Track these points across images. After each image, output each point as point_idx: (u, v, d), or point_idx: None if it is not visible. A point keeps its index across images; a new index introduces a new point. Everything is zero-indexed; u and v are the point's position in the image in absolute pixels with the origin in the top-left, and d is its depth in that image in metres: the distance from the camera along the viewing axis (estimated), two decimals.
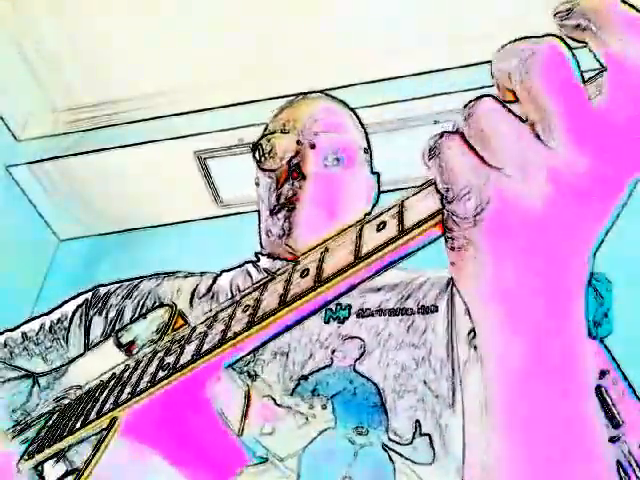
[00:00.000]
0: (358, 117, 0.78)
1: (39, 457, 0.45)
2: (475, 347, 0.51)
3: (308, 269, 0.34)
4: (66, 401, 0.50)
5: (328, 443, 0.50)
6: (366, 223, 0.32)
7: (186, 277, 0.73)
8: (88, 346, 0.66)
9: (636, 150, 0.24)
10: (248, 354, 0.37)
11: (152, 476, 0.42)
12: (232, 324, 0.38)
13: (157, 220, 1.66)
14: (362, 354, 0.56)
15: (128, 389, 0.42)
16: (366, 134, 0.79)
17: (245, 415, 0.49)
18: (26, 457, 0.46)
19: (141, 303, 0.69)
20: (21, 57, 1.36)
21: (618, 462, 0.40)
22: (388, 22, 1.26)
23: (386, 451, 0.49)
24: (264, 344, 0.36)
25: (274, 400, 0.52)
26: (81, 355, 0.58)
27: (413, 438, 0.50)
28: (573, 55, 0.25)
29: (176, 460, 0.42)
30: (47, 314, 0.73)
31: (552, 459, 0.27)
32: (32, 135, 1.50)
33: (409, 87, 1.33)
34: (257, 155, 0.76)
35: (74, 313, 0.71)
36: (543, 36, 0.26)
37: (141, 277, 0.74)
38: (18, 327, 0.72)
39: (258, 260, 0.72)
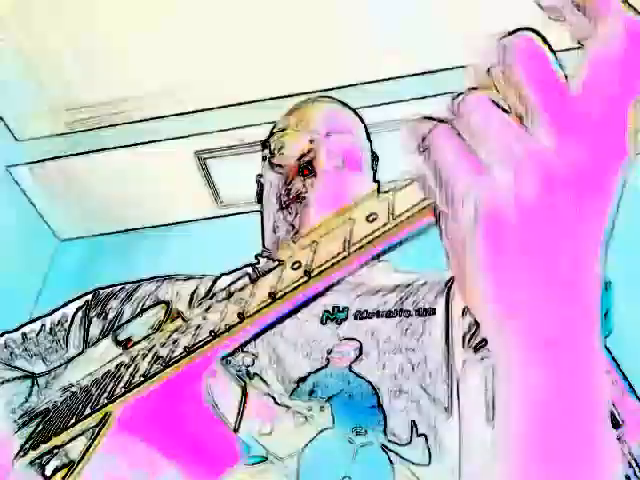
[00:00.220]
0: (363, 121, 0.79)
1: (34, 454, 0.45)
2: (475, 349, 0.51)
3: (299, 261, 0.34)
4: (62, 398, 0.50)
5: (327, 443, 0.50)
6: (357, 213, 0.32)
7: (186, 280, 0.73)
8: (86, 347, 0.67)
9: (619, 132, 0.24)
10: (242, 347, 0.37)
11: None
12: (225, 317, 0.38)
13: (157, 220, 1.66)
14: (359, 356, 0.56)
15: (122, 384, 0.43)
16: (369, 139, 0.79)
17: (242, 412, 0.48)
18: (22, 454, 0.46)
19: (140, 306, 0.69)
20: (21, 57, 1.36)
21: None
22: (388, 22, 1.26)
23: (385, 452, 0.49)
24: (258, 336, 0.36)
25: (274, 399, 0.52)
26: (79, 354, 0.58)
27: (410, 439, 0.50)
28: (549, 46, 0.26)
29: (169, 453, 0.42)
30: (48, 315, 0.73)
31: None
32: (32, 135, 1.50)
33: (409, 87, 1.33)
34: (268, 151, 0.76)
35: (75, 314, 0.71)
36: (516, 30, 0.26)
37: (141, 280, 0.74)
38: (18, 328, 0.72)
39: (258, 263, 0.72)
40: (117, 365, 0.47)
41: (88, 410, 0.43)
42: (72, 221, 1.68)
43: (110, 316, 0.69)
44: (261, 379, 0.54)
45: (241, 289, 0.39)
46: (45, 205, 1.65)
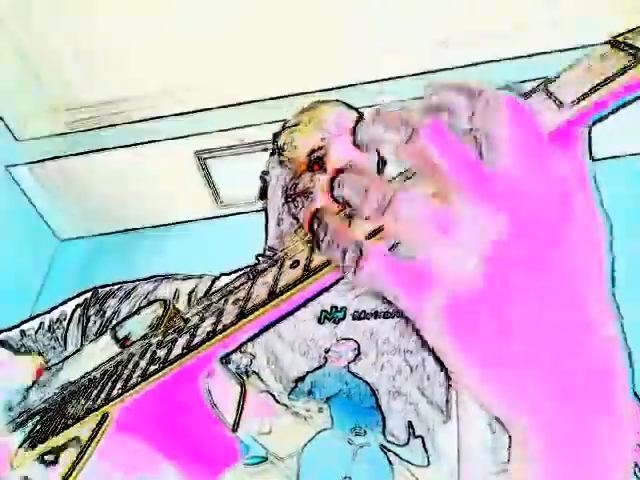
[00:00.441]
0: None
1: (32, 454, 0.45)
2: None
3: (298, 260, 0.34)
4: (60, 397, 0.50)
5: (327, 443, 0.50)
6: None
7: (184, 279, 0.73)
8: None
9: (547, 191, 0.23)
10: (240, 347, 0.37)
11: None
12: (223, 317, 0.38)
13: (157, 220, 1.66)
14: (356, 356, 0.56)
15: (120, 384, 0.42)
16: None
17: (240, 410, 0.48)
18: (19, 453, 0.46)
19: (138, 305, 0.69)
20: (21, 57, 1.36)
21: None
22: (388, 22, 1.26)
23: (384, 452, 0.49)
24: (256, 336, 0.36)
25: (273, 396, 0.52)
26: (77, 351, 0.58)
27: (408, 440, 0.50)
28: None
29: (168, 453, 0.42)
30: (46, 313, 0.73)
31: None
32: (32, 135, 1.50)
33: (409, 87, 1.33)
34: (277, 146, 0.76)
35: (73, 312, 0.71)
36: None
37: (140, 279, 0.74)
38: (17, 326, 0.72)
39: (258, 263, 0.72)
40: (115, 364, 0.47)
41: (86, 411, 0.43)
42: (72, 221, 1.68)
43: (107, 314, 0.69)
44: (259, 378, 0.54)
45: (239, 288, 0.39)
46: (45, 205, 1.65)
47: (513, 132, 0.23)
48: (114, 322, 0.67)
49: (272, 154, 0.79)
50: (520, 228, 0.22)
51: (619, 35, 0.28)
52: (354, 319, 0.59)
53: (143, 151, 1.50)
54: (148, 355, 0.43)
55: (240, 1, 1.27)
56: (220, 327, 0.37)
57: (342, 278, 0.31)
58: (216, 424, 0.44)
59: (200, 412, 0.42)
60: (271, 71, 1.34)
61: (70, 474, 0.39)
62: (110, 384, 0.43)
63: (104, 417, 0.41)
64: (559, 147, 0.24)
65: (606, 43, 0.26)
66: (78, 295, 0.74)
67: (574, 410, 0.23)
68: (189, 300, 0.68)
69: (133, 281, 0.74)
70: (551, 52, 1.22)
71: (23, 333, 0.70)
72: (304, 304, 0.33)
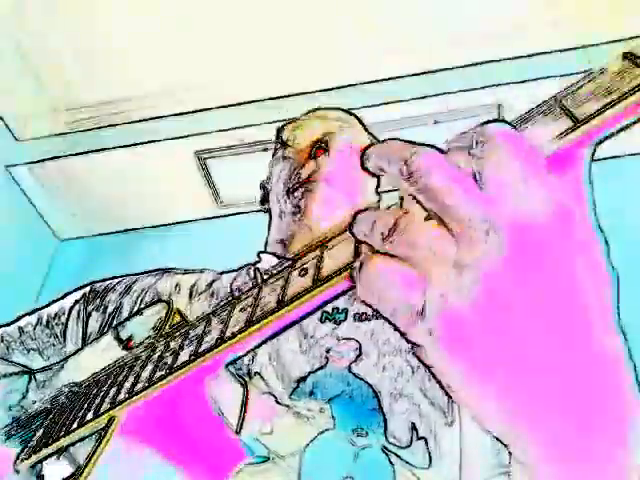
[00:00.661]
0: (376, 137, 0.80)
1: (36, 457, 0.45)
2: None
3: (307, 268, 0.33)
4: (63, 399, 0.50)
5: (329, 443, 0.50)
6: None
7: (185, 273, 0.73)
8: (86, 341, 0.66)
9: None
10: (246, 354, 0.37)
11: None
12: (230, 324, 0.38)
13: (157, 220, 1.66)
14: (358, 356, 0.56)
15: (126, 388, 0.42)
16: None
17: (243, 412, 0.48)
18: (24, 457, 0.46)
19: (140, 298, 0.69)
20: (21, 57, 1.36)
21: None
22: (388, 22, 1.26)
23: (386, 454, 0.49)
24: (262, 344, 0.36)
25: (275, 397, 0.52)
26: (78, 351, 0.58)
27: (411, 441, 0.50)
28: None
29: (174, 458, 0.41)
30: (44, 308, 0.72)
31: None
32: (32, 135, 1.50)
33: (409, 87, 1.33)
34: (282, 138, 0.76)
35: (72, 308, 0.71)
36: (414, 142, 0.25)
37: (139, 273, 0.74)
38: (14, 322, 0.71)
39: (259, 261, 0.72)
40: (120, 367, 0.47)
41: (91, 414, 0.43)
42: (72, 221, 1.68)
43: (109, 309, 0.68)
44: (261, 378, 0.54)
45: (247, 294, 0.38)
46: (45, 205, 1.65)
47: (510, 168, 0.23)
48: (116, 318, 0.67)
49: (274, 154, 0.79)
50: (519, 253, 0.22)
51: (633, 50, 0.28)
52: (355, 320, 0.59)
53: (143, 151, 1.50)
54: (155, 360, 0.43)
55: (240, 1, 1.27)
56: (229, 334, 0.36)
57: (352, 288, 0.30)
58: (221, 427, 0.44)
59: (206, 416, 0.42)
60: (271, 71, 1.34)
61: (78, 477, 0.39)
62: (116, 388, 0.43)
63: (110, 421, 0.41)
64: (559, 171, 0.24)
65: (623, 58, 0.26)
66: (75, 290, 0.74)
67: (576, 428, 0.23)
68: (190, 294, 0.68)
69: (133, 275, 0.74)
70: (551, 52, 1.22)
71: (21, 330, 0.69)
72: (312, 312, 0.33)
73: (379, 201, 0.76)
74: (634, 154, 1.38)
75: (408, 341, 0.25)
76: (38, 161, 1.54)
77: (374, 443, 0.50)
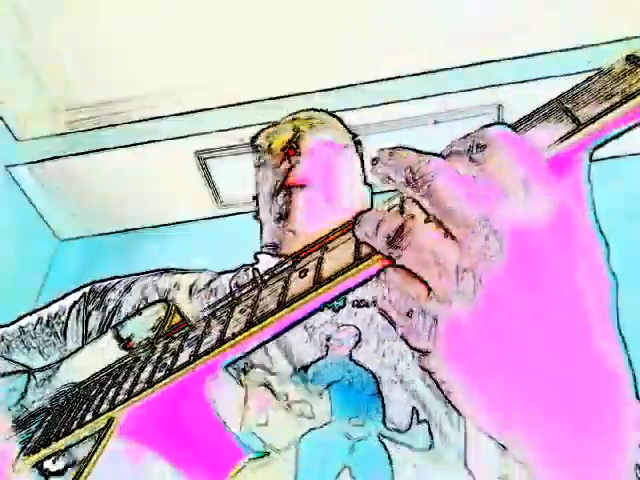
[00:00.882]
0: (352, 133, 0.80)
1: (36, 457, 0.45)
2: None
3: (307, 269, 0.33)
4: (62, 399, 0.50)
5: (325, 436, 0.50)
6: None
7: (184, 273, 0.73)
8: (86, 340, 0.67)
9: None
10: (246, 355, 0.37)
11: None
12: (230, 325, 0.38)
13: (157, 220, 1.66)
14: (357, 342, 0.56)
15: (125, 389, 0.42)
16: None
17: (245, 412, 0.49)
18: (23, 457, 0.46)
19: (140, 298, 0.69)
20: (21, 57, 1.36)
21: None
22: (388, 22, 1.26)
23: (382, 443, 0.49)
24: (262, 345, 0.36)
25: (271, 389, 0.52)
26: (78, 350, 0.58)
27: (410, 425, 0.50)
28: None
29: (173, 458, 0.41)
30: (44, 308, 0.73)
31: None
32: (32, 135, 1.50)
33: (409, 87, 1.33)
34: (256, 147, 0.77)
35: (72, 307, 0.71)
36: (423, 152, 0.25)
37: (140, 273, 0.75)
38: (15, 322, 0.72)
39: (257, 262, 0.72)
40: (119, 368, 0.47)
41: (90, 415, 0.43)
42: (72, 221, 1.68)
43: (109, 308, 0.69)
44: (255, 372, 0.54)
45: (246, 296, 0.38)
46: (45, 205, 1.65)
47: (511, 172, 0.23)
48: (116, 316, 0.67)
49: (257, 168, 0.79)
50: (519, 258, 0.22)
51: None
52: (354, 306, 0.59)
53: (143, 151, 1.50)
54: (154, 361, 0.43)
55: (240, 1, 1.27)
56: (229, 335, 0.36)
57: (352, 290, 0.30)
58: (220, 427, 0.44)
59: (205, 417, 0.42)
60: (271, 71, 1.34)
61: (78, 478, 0.39)
62: (115, 389, 0.43)
63: (109, 422, 0.41)
64: (560, 174, 0.24)
65: (626, 60, 0.26)
66: (75, 290, 0.74)
67: (574, 432, 0.23)
68: (190, 292, 0.68)
69: (133, 275, 0.74)
70: (551, 52, 1.22)
71: (21, 329, 0.70)
72: (313, 312, 0.33)
73: (373, 193, 0.76)
74: (634, 154, 1.38)
75: (412, 348, 0.25)
76: (38, 161, 1.54)
77: (371, 431, 0.50)
